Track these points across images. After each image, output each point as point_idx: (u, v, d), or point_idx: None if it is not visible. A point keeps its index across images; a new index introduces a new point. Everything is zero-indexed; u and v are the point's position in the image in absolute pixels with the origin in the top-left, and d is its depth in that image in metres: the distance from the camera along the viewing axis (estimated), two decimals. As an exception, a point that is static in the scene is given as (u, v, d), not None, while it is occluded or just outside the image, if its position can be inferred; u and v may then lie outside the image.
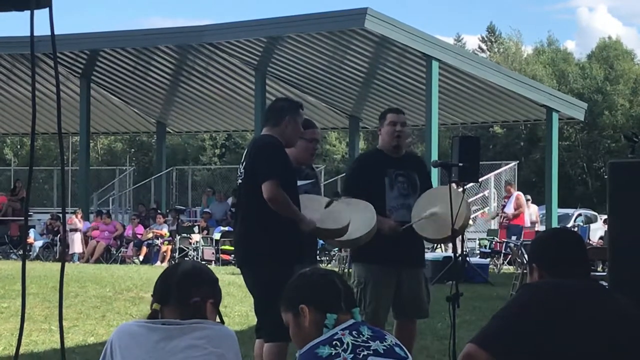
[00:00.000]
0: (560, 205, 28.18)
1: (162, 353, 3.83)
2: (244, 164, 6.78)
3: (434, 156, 22.73)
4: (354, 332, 3.63)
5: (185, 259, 24.36)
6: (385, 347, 3.63)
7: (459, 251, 7.93)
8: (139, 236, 25.74)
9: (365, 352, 3.57)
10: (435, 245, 19.68)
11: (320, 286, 3.80)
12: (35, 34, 2.42)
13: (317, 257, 7.58)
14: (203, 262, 23.43)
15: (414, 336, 7.43)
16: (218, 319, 3.98)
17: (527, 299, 3.77)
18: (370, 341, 3.62)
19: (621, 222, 5.06)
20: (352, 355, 3.54)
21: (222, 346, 3.92)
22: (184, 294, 3.92)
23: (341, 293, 3.77)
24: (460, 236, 7.42)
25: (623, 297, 3.94)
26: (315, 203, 6.98)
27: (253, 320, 7.23)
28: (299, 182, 7.06)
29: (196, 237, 24.82)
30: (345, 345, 3.57)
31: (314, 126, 7.47)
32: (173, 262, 24.17)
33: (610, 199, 5.19)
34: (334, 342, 3.58)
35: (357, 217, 7.00)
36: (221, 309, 4.02)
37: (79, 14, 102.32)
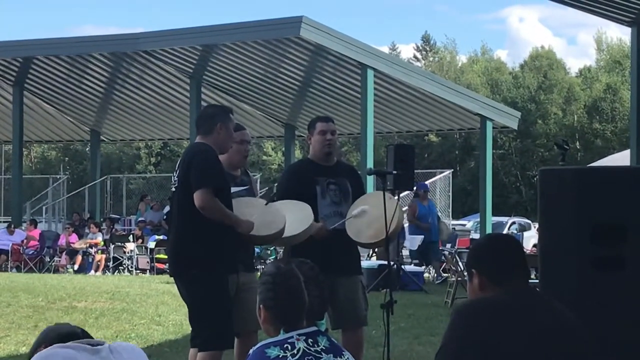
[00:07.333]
0: (494, 214, 28.42)
1: None
2: (177, 172, 6.76)
3: (369, 164, 22.78)
4: (310, 340, 3.49)
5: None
6: None
7: (396, 258, 7.95)
8: (72, 245, 25.47)
9: None
10: (371, 252, 19.72)
11: (284, 296, 3.52)
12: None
13: (254, 265, 7.52)
14: (138, 271, 23.42)
15: (361, 346, 7.37)
16: None
17: (463, 330, 3.75)
18: (323, 353, 3.49)
19: (552, 229, 5.11)
20: None
21: None
22: None
23: (304, 308, 3.51)
24: (394, 242, 7.42)
25: (559, 303, 3.97)
26: (249, 209, 6.95)
27: (187, 329, 7.19)
28: (233, 189, 7.04)
29: (130, 245, 24.62)
30: (295, 350, 3.44)
31: (243, 128, 7.47)
32: (107, 271, 23.99)
33: (541, 206, 5.24)
34: (285, 345, 3.45)
35: (293, 217, 6.99)
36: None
37: (9, 21, 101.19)
